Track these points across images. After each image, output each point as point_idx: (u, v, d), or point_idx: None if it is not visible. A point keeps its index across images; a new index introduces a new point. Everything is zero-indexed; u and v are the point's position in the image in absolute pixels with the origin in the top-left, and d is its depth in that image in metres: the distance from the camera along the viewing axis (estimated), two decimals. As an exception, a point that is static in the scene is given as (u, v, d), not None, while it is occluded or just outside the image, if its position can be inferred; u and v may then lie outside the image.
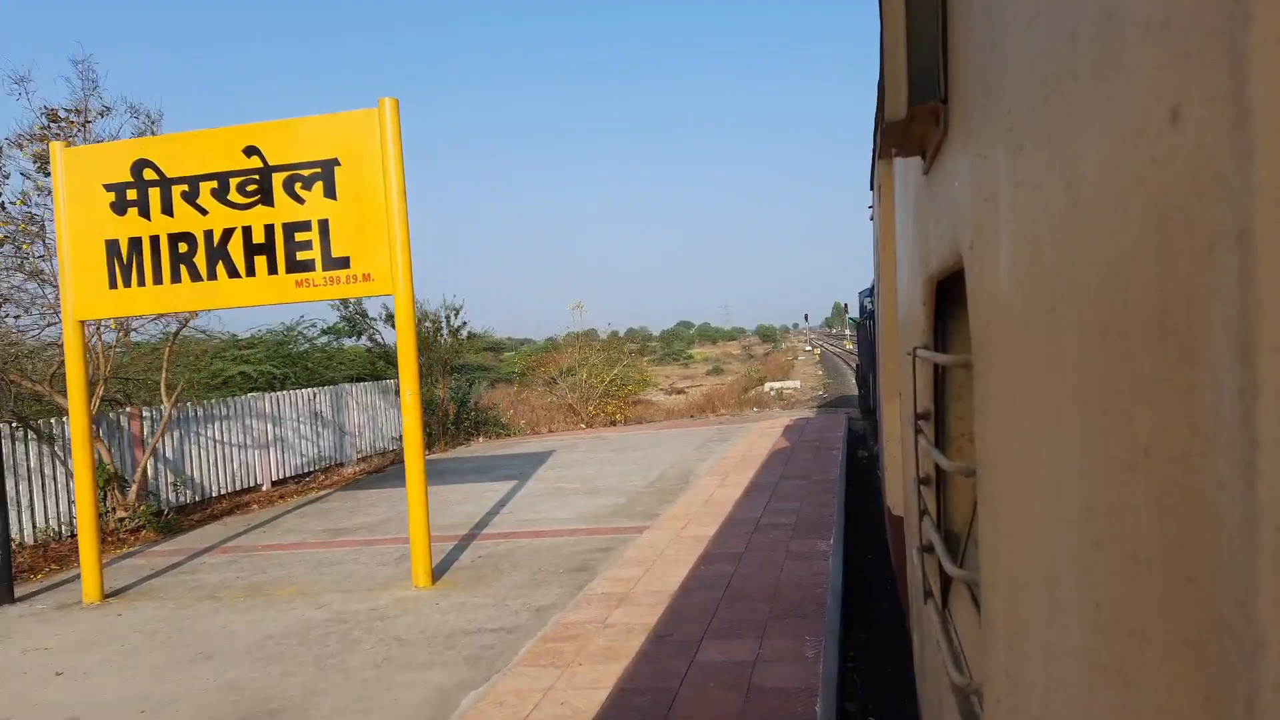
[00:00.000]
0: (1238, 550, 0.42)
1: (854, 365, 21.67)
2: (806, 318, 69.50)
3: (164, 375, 9.90)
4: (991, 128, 0.99)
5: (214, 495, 11.06)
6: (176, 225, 6.48)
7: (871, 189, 5.25)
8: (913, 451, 2.10)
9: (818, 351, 58.60)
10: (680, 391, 45.91)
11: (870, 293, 8.69)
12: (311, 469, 12.97)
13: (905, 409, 2.48)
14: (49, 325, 9.35)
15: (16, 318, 9.27)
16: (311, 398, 13.21)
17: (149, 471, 9.88)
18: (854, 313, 15.09)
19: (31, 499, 8.82)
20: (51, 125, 8.87)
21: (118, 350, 10.20)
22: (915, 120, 1.44)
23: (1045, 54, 0.74)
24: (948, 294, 1.71)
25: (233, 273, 6.43)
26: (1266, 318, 0.40)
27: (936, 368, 1.78)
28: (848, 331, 26.70)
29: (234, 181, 6.40)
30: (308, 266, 6.34)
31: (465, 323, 19.09)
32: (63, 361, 7.58)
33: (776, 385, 28.04)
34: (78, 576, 6.94)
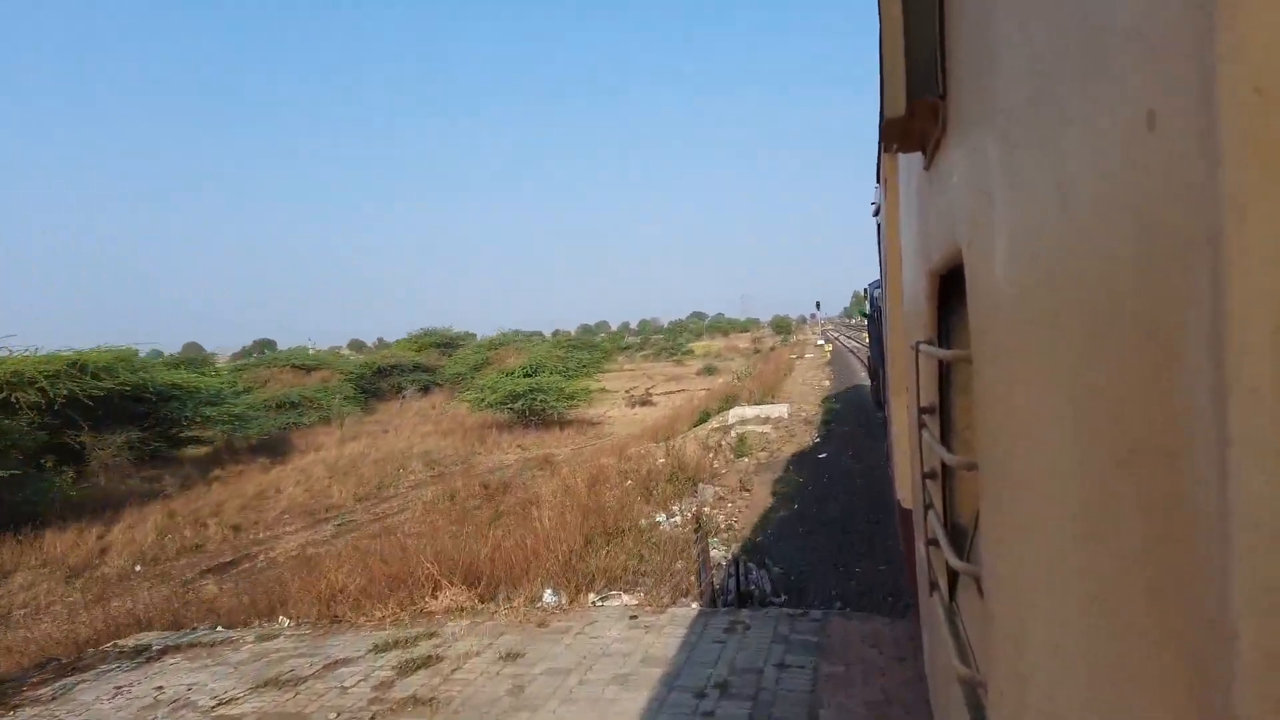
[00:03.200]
0: (1215, 545, 0.44)
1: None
2: (819, 306, 58.83)
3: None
4: (986, 126, 1.00)
5: None
6: None
7: (878, 183, 5.06)
8: (918, 446, 2.10)
9: (829, 348, 48.08)
10: (648, 402, 36.30)
11: (880, 285, 7.27)
12: None
13: (910, 403, 2.42)
14: None
15: None
16: None
17: None
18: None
19: None
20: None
21: None
22: (914, 117, 1.45)
23: (1034, 57, 0.75)
24: (950, 288, 1.70)
25: None
26: (1236, 320, 0.42)
27: (940, 362, 1.78)
28: (867, 322, 18.07)
29: None
30: None
31: None
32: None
33: (749, 413, 17.98)
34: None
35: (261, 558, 12.74)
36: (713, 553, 7.19)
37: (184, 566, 12.45)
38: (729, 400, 21.80)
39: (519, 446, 23.81)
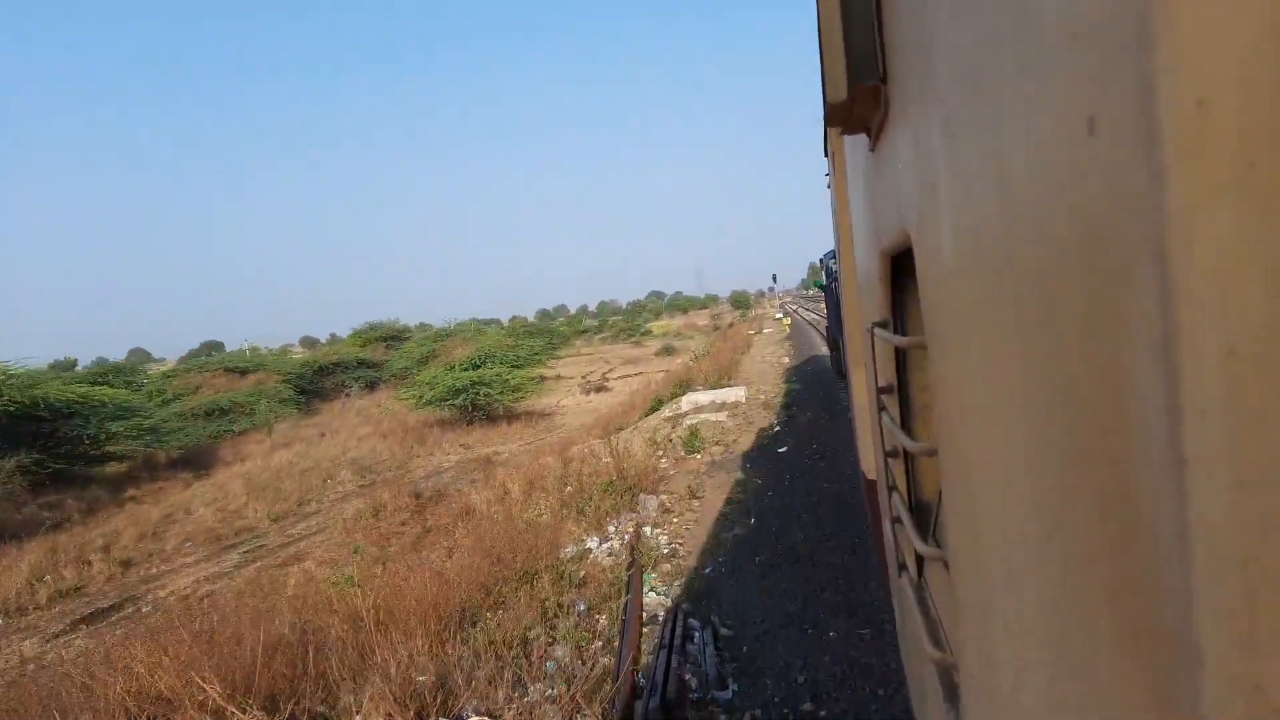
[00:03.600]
0: (1173, 562, 0.43)
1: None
2: (775, 278, 57.50)
3: None
4: (927, 113, 0.97)
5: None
6: None
7: (826, 155, 4.87)
8: (879, 423, 2.03)
9: (788, 322, 46.93)
10: (604, 388, 34.87)
11: (834, 255, 6.77)
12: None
13: (869, 380, 2.31)
14: None
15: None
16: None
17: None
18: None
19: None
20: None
21: None
22: (857, 101, 1.42)
23: (971, 48, 0.74)
24: (902, 268, 1.66)
25: None
26: (1185, 340, 0.41)
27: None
28: (825, 293, 16.83)
29: None
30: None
31: None
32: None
33: (703, 399, 16.67)
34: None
35: (149, 599, 11.10)
36: (648, 596, 5.77)
37: (55, 616, 10.76)
38: (683, 385, 20.44)
39: (462, 446, 22.21)
